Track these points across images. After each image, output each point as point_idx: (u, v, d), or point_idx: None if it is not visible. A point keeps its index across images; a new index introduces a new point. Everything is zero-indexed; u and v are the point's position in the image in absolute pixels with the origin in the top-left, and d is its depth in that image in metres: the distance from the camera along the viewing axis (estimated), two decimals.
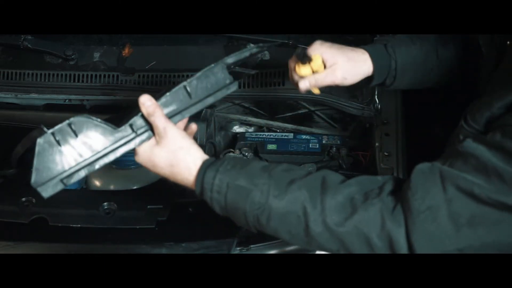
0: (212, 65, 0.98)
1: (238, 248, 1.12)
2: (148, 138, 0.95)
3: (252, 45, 1.03)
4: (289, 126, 1.58)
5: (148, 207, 1.21)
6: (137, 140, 0.94)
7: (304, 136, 1.53)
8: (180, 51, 1.58)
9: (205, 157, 0.95)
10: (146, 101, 0.93)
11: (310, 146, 1.50)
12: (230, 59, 0.99)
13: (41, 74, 1.60)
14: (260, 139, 1.51)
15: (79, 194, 1.33)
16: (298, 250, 1.15)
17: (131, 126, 0.94)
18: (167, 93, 0.95)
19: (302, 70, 1.11)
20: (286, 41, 1.53)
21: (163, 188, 1.29)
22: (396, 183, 0.87)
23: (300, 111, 1.61)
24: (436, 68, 1.14)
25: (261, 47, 1.06)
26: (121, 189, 1.33)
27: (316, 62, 1.10)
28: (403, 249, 0.82)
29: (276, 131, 1.58)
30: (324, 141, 1.51)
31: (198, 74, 0.97)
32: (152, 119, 0.93)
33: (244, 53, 1.02)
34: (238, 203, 0.89)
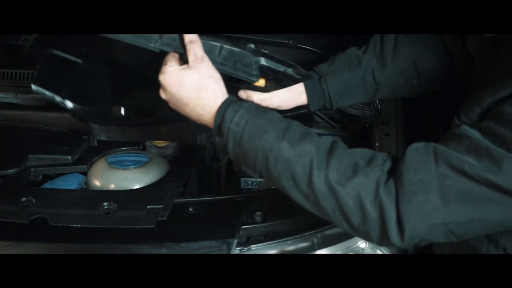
0: (253, 50, 1.02)
1: (238, 248, 1.12)
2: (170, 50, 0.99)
3: (290, 69, 1.08)
4: None
5: (148, 207, 1.21)
6: (158, 44, 0.97)
7: None
8: None
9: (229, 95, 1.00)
10: (191, 35, 0.99)
11: None
12: (266, 63, 1.03)
13: None
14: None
15: (79, 194, 1.33)
16: (298, 250, 1.15)
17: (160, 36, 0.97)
18: (204, 39, 0.99)
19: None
20: (286, 41, 1.53)
21: (163, 188, 1.29)
22: (397, 159, 0.90)
23: (300, 111, 1.61)
24: (383, 83, 1.19)
25: (296, 73, 1.11)
26: (121, 189, 1.33)
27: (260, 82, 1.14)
28: (392, 219, 0.84)
29: None
30: None
31: (237, 48, 1.01)
32: (192, 46, 0.98)
33: (279, 67, 1.06)
34: (253, 138, 0.93)
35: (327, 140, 0.93)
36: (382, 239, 0.87)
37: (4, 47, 1.69)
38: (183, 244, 1.13)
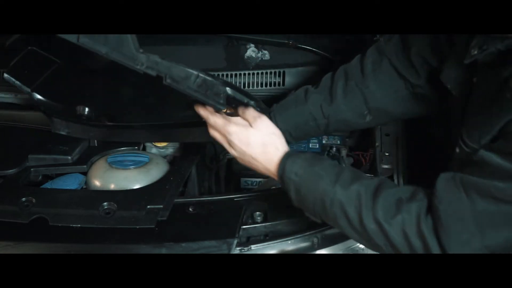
0: (223, 81, 1.09)
1: (238, 248, 1.12)
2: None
3: (252, 102, 1.13)
4: None
5: (148, 207, 1.21)
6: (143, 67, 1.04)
7: None
8: (180, 51, 1.58)
9: (287, 148, 1.12)
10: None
11: (310, 146, 1.51)
12: (233, 93, 1.09)
13: None
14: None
15: (79, 194, 1.33)
16: (298, 250, 1.15)
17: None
18: (182, 66, 1.06)
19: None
20: (286, 41, 1.53)
21: (163, 188, 1.29)
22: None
23: None
24: (333, 117, 1.24)
25: (257, 105, 1.15)
26: (121, 189, 1.33)
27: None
28: (435, 250, 0.90)
29: None
30: (324, 141, 1.51)
31: (209, 78, 1.07)
32: (245, 111, 1.12)
33: (243, 99, 1.12)
34: (310, 185, 1.03)
35: (375, 181, 1.01)
36: None
37: (4, 47, 1.68)
38: (183, 244, 1.13)
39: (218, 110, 1.13)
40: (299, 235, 1.15)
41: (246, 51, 1.58)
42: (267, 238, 1.16)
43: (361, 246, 1.18)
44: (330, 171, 1.03)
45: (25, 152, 1.43)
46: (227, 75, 1.53)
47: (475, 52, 0.91)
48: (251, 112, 1.12)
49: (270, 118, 1.19)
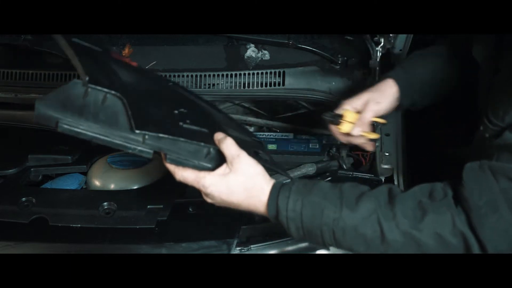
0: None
1: (238, 248, 1.12)
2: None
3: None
4: (289, 126, 1.58)
5: (148, 207, 1.21)
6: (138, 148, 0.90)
7: (304, 136, 1.53)
8: (180, 51, 1.59)
9: (274, 180, 0.98)
10: (217, 134, 0.99)
11: (310, 146, 1.50)
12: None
13: (41, 74, 1.60)
14: (260, 139, 1.51)
15: (79, 194, 1.33)
16: (298, 250, 1.15)
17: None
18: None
19: (343, 128, 1.19)
20: (286, 41, 1.53)
21: (163, 188, 1.29)
22: (454, 184, 0.90)
23: (300, 111, 1.61)
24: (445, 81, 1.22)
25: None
26: (121, 189, 1.33)
27: (348, 115, 1.18)
28: (474, 244, 0.85)
29: (276, 131, 1.58)
30: (324, 141, 1.51)
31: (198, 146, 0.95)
32: (224, 145, 0.96)
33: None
34: (313, 219, 0.92)
35: (383, 190, 0.93)
36: None
37: (4, 47, 1.68)
38: (183, 244, 1.13)
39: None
40: None
41: (246, 51, 1.58)
42: (267, 238, 1.16)
43: None
44: (330, 196, 0.93)
45: (25, 152, 1.43)
46: (227, 75, 1.52)
47: None
48: (231, 151, 0.96)
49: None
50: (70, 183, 1.41)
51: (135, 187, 1.33)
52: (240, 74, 1.53)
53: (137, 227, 1.17)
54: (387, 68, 1.46)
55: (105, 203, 1.22)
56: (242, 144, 0.99)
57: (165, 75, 1.51)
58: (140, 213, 1.19)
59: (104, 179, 1.37)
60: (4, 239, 1.14)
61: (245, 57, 1.57)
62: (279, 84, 1.51)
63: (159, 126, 0.91)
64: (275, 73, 1.51)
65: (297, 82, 1.52)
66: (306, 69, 1.53)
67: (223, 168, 0.96)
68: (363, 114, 1.17)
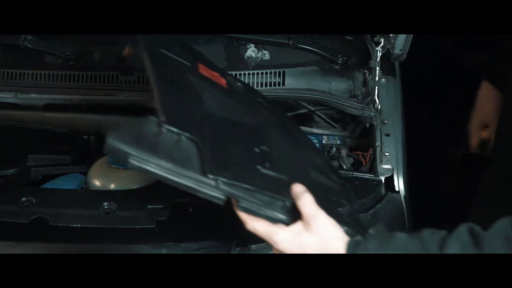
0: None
1: (238, 248, 1.12)
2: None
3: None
4: None
5: (148, 207, 1.21)
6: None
7: None
8: None
9: (348, 237, 0.91)
10: (297, 186, 0.91)
11: None
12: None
13: (41, 74, 1.60)
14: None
15: (79, 194, 1.33)
16: None
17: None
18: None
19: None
20: (286, 41, 1.54)
21: (163, 188, 1.29)
22: None
23: (300, 111, 1.61)
24: None
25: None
26: (121, 189, 1.33)
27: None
28: None
29: None
30: (324, 141, 1.51)
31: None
32: (301, 202, 0.89)
33: None
34: None
35: (463, 232, 0.86)
36: None
37: (4, 47, 1.69)
38: (183, 244, 1.13)
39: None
40: None
41: (246, 51, 1.58)
42: None
43: None
44: (411, 248, 0.86)
45: (25, 152, 1.43)
46: None
47: None
48: (308, 209, 0.88)
49: None
50: (70, 183, 1.41)
51: (135, 187, 1.33)
52: (240, 74, 1.53)
53: (137, 227, 1.17)
54: (387, 68, 1.47)
55: (105, 203, 1.22)
56: (324, 195, 0.94)
57: None
58: (140, 213, 1.19)
59: (104, 179, 1.37)
60: (4, 239, 1.14)
61: (245, 57, 1.57)
62: (279, 84, 1.51)
63: (235, 171, 0.87)
64: (275, 73, 1.52)
65: (297, 82, 1.52)
66: (306, 69, 1.54)
67: (297, 226, 0.89)
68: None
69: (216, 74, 1.14)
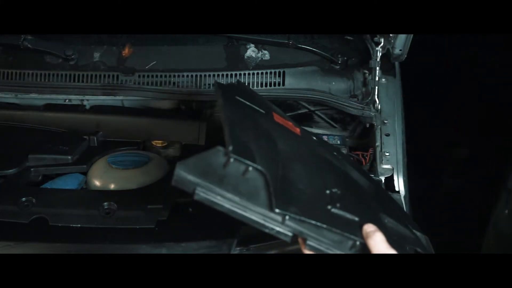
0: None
1: (238, 248, 1.12)
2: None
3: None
4: None
5: (148, 207, 1.21)
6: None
7: None
8: (180, 51, 1.59)
9: None
10: (368, 226, 0.87)
11: None
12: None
13: (41, 74, 1.60)
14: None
15: (79, 194, 1.33)
16: (298, 250, 1.15)
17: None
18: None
19: None
20: (286, 41, 1.54)
21: (163, 188, 1.29)
22: None
23: (300, 111, 1.61)
24: None
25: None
26: (121, 189, 1.33)
27: None
28: None
29: None
30: None
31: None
32: (372, 241, 0.85)
33: None
34: None
35: None
36: None
37: (4, 47, 1.69)
38: (183, 244, 1.13)
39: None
40: None
41: (246, 51, 1.58)
42: (267, 238, 1.16)
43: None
44: None
45: (25, 152, 1.43)
46: (227, 75, 1.53)
47: None
48: (378, 246, 0.85)
49: None
50: (70, 183, 1.40)
51: (135, 187, 1.33)
52: (240, 74, 1.53)
53: (137, 227, 1.17)
54: (387, 68, 1.47)
55: (105, 203, 1.22)
56: (396, 239, 0.91)
57: (165, 75, 1.52)
58: (140, 213, 1.19)
59: (104, 179, 1.37)
60: (4, 239, 1.14)
61: (245, 57, 1.58)
62: (279, 84, 1.51)
63: (304, 208, 0.84)
64: (275, 73, 1.52)
65: (297, 82, 1.53)
66: (306, 69, 1.54)
67: None
68: None
69: (290, 123, 1.12)
